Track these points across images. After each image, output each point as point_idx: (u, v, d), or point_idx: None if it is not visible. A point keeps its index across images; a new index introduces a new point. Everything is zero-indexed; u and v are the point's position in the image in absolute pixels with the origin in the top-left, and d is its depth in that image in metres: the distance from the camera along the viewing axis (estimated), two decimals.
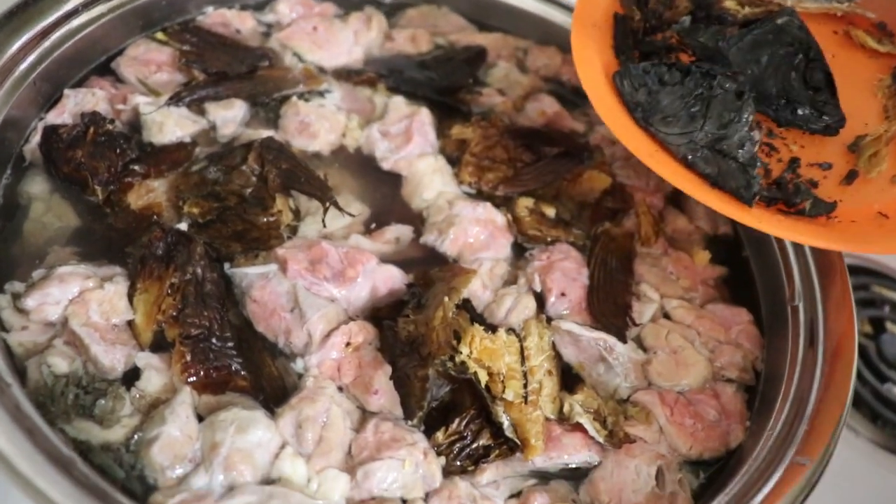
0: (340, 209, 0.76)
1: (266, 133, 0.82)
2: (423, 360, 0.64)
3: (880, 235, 0.67)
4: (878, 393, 1.00)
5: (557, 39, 1.03)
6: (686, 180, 0.68)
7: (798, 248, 0.80)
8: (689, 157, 0.69)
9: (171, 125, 0.80)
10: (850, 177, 0.73)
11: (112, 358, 0.63)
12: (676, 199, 0.88)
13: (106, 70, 0.86)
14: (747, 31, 0.76)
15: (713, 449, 0.68)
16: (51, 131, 0.76)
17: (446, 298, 0.68)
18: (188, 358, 0.63)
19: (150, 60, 0.87)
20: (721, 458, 0.69)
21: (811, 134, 0.76)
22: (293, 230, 0.76)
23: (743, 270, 0.85)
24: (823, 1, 0.83)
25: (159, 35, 0.90)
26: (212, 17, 0.94)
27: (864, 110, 0.78)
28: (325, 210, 0.76)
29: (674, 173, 0.69)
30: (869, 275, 1.13)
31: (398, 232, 0.79)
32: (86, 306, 0.65)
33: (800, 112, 0.76)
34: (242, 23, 0.95)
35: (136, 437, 0.60)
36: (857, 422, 0.97)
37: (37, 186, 0.75)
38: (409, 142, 0.85)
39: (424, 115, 0.88)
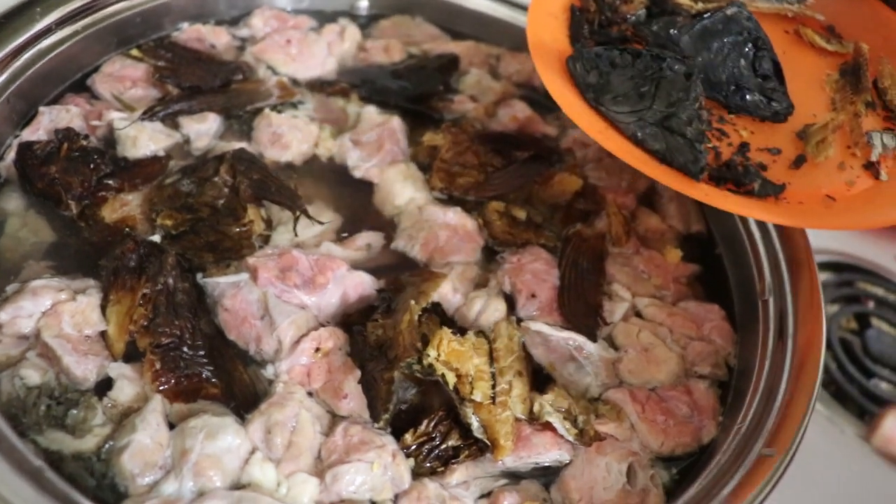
0: (311, 217, 0.77)
1: (239, 145, 0.83)
2: (390, 364, 0.65)
3: (828, 215, 0.70)
4: (865, 389, 1.00)
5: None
6: (635, 157, 0.70)
7: (768, 243, 0.81)
8: (639, 133, 0.70)
9: (144, 139, 0.81)
10: (798, 161, 0.74)
11: (84, 369, 0.64)
12: (649, 200, 0.89)
13: (81, 87, 0.87)
14: (698, 21, 0.78)
15: (685, 444, 0.68)
16: (25, 148, 0.77)
17: (413, 302, 0.69)
18: (158, 366, 0.64)
19: (125, 76, 0.88)
20: (693, 453, 0.69)
21: (761, 121, 0.77)
22: (265, 239, 0.77)
23: (716, 268, 0.85)
24: (775, 1, 0.85)
25: (134, 52, 0.91)
26: (187, 33, 0.95)
27: (812, 103, 0.79)
28: (296, 219, 0.76)
29: (623, 150, 0.70)
30: (854, 271, 1.13)
31: (369, 238, 0.79)
32: (58, 318, 0.65)
33: (749, 98, 0.77)
34: (217, 38, 0.96)
35: (107, 445, 0.60)
36: (843, 418, 0.98)
37: (12, 203, 0.76)
38: (381, 150, 0.86)
39: (396, 124, 0.89)
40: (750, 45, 0.78)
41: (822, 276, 0.95)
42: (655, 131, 0.70)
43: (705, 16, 0.78)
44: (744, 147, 0.74)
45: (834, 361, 1.03)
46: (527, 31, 0.78)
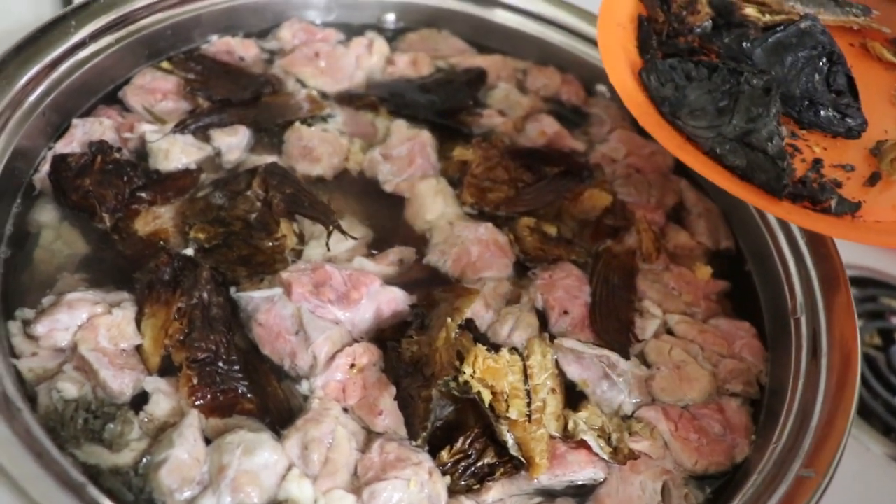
0: (343, 232, 0.78)
1: (270, 158, 0.84)
2: (427, 381, 0.65)
3: None
4: (890, 405, 1.00)
5: (556, 60, 1.06)
6: (715, 172, 0.70)
7: (800, 260, 0.81)
8: (718, 149, 0.70)
9: (176, 152, 0.82)
10: (873, 179, 0.73)
11: (121, 382, 0.64)
12: (678, 216, 0.89)
13: (113, 99, 0.88)
14: (771, 34, 0.78)
15: (718, 463, 0.69)
16: (59, 160, 0.77)
17: (449, 319, 0.69)
18: (195, 381, 0.64)
19: (156, 89, 0.89)
20: (727, 472, 0.69)
21: (833, 137, 0.76)
22: (297, 254, 0.77)
23: (746, 285, 0.85)
24: (840, 14, 0.85)
25: (165, 64, 0.92)
26: (216, 46, 0.96)
27: (883, 118, 0.79)
28: (329, 233, 0.77)
29: (703, 165, 0.70)
30: (877, 286, 1.13)
31: (401, 254, 0.80)
32: (95, 332, 0.66)
33: (823, 114, 0.76)
34: (246, 50, 0.97)
35: (144, 460, 0.61)
36: (868, 435, 0.98)
37: (46, 215, 0.77)
38: (412, 164, 0.87)
39: (426, 138, 0.89)
40: (824, 59, 0.78)
41: None
42: (735, 147, 0.70)
43: (778, 29, 0.78)
44: (817, 163, 0.73)
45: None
46: (598, 42, 0.78)
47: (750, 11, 0.82)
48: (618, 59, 0.77)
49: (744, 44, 0.78)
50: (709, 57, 0.80)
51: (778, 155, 0.68)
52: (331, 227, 0.77)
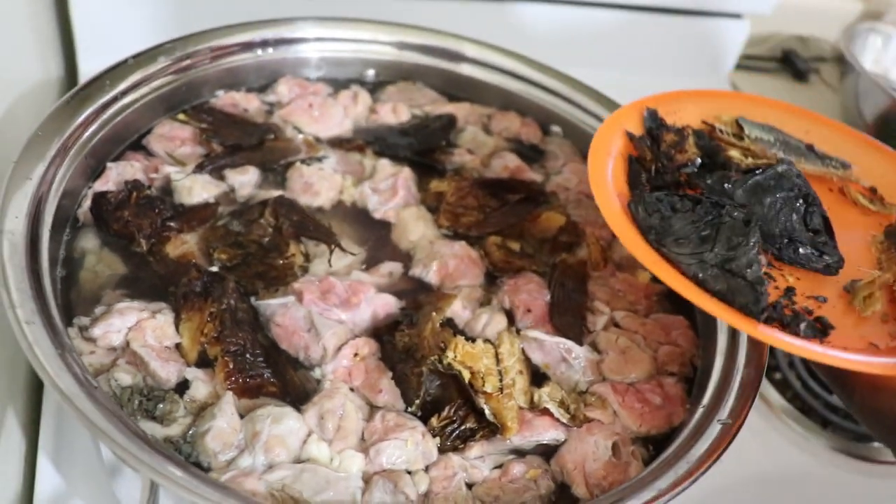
0: (343, 250, 0.92)
1: (277, 193, 0.98)
2: (418, 362, 0.79)
3: (872, 360, 0.74)
4: (827, 402, 1.15)
5: (516, 105, 1.21)
6: (696, 294, 0.74)
7: None
8: (700, 274, 0.74)
9: (198, 189, 0.96)
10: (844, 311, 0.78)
11: (167, 372, 0.77)
12: None
13: (138, 146, 1.02)
14: (751, 176, 0.84)
15: (659, 426, 0.82)
16: (100, 196, 0.91)
17: (434, 314, 0.84)
18: (231, 366, 0.78)
19: (175, 137, 1.03)
20: (666, 434, 0.83)
21: (807, 271, 0.81)
22: (304, 270, 0.91)
23: None
24: (820, 165, 0.91)
25: (181, 116, 1.06)
26: (223, 100, 1.11)
27: (858, 259, 0.84)
28: (331, 251, 0.91)
29: (685, 288, 0.74)
30: None
31: (391, 268, 0.94)
32: (142, 332, 0.79)
33: (801, 251, 0.81)
34: (249, 103, 1.12)
35: (191, 431, 0.74)
36: (810, 430, 1.12)
37: (89, 242, 0.90)
38: (396, 195, 1.01)
39: (407, 174, 1.04)
40: (801, 200, 0.83)
41: None
42: (717, 273, 0.73)
43: (757, 172, 0.83)
44: (790, 291, 0.77)
45: (798, 380, 1.19)
46: (588, 175, 0.81)
47: (734, 154, 0.88)
48: (607, 190, 0.81)
49: (725, 184, 0.83)
50: (693, 192, 0.84)
51: (756, 281, 0.72)
52: (333, 246, 0.92)
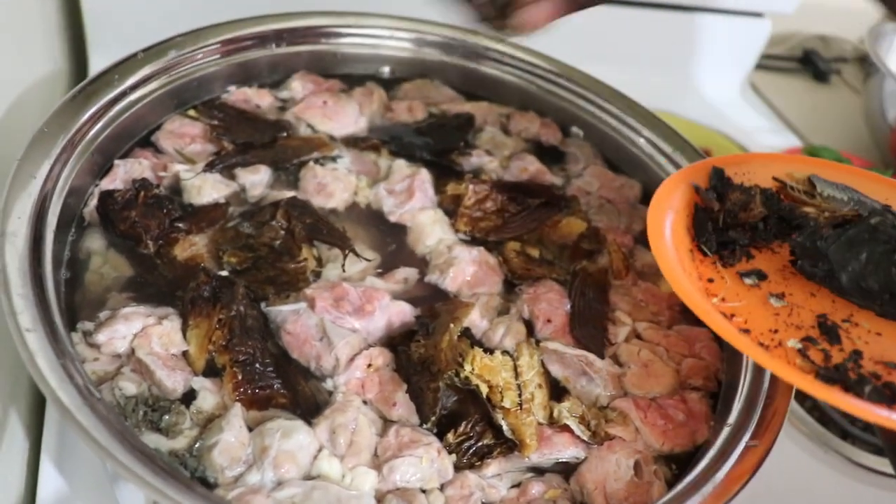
0: (358, 255, 0.89)
1: (289, 194, 0.95)
2: (434, 376, 0.76)
3: None
4: (846, 413, 1.10)
5: (535, 105, 1.18)
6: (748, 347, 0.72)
7: None
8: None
9: (207, 188, 0.93)
10: None
11: (173, 381, 0.75)
12: (644, 239, 1.00)
13: (147, 143, 0.99)
14: (843, 231, 0.80)
15: (682, 444, 0.80)
16: (107, 195, 0.88)
17: (452, 325, 0.81)
18: (240, 377, 0.75)
19: (185, 133, 1.00)
20: (689, 452, 0.80)
21: (877, 334, 0.76)
22: (317, 275, 0.88)
23: None
24: None
25: (191, 112, 1.03)
26: (235, 95, 1.08)
27: None
28: (345, 256, 0.88)
29: (737, 341, 0.73)
30: None
31: (406, 273, 0.91)
32: (148, 339, 0.77)
33: None
34: (261, 99, 1.09)
35: (197, 444, 0.71)
36: (829, 441, 1.10)
37: (95, 243, 0.87)
38: (412, 198, 0.98)
39: (423, 175, 1.01)
40: None
41: None
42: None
43: (849, 227, 0.80)
44: (856, 354, 0.73)
45: None
46: (648, 227, 0.81)
47: (809, 210, 0.85)
48: (665, 243, 0.81)
49: (818, 242, 0.81)
50: (759, 250, 0.85)
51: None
52: (346, 251, 0.89)
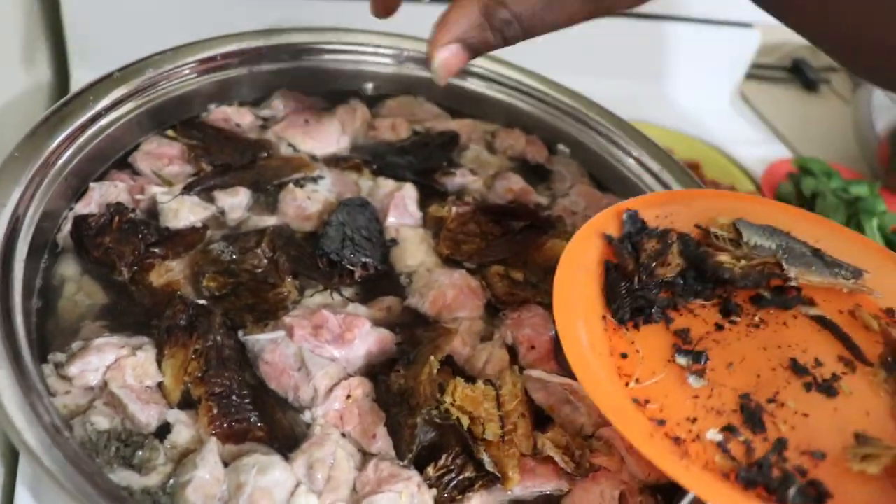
0: (342, 295, 0.88)
1: (268, 217, 0.94)
2: (412, 410, 0.75)
3: None
4: None
5: (521, 122, 1.16)
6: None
7: None
8: None
9: (185, 212, 0.91)
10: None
11: (147, 415, 0.73)
12: None
13: (124, 164, 0.97)
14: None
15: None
16: (81, 220, 0.86)
17: (432, 357, 0.79)
18: (215, 411, 0.73)
19: (163, 154, 0.99)
20: (675, 483, 0.78)
21: (804, 416, 0.69)
22: (297, 304, 0.86)
23: None
24: (828, 275, 0.80)
25: (170, 132, 1.02)
26: (214, 114, 1.06)
27: (865, 399, 0.72)
28: (331, 295, 0.87)
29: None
30: None
31: (390, 302, 0.89)
32: (122, 371, 0.75)
33: None
34: (242, 118, 1.07)
35: (171, 481, 0.69)
36: None
37: (69, 269, 0.85)
38: (396, 212, 0.97)
39: (408, 190, 1.00)
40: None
41: None
42: None
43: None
44: (781, 444, 0.66)
45: None
46: (554, 286, 0.74)
47: (723, 259, 0.80)
48: (570, 308, 0.75)
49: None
50: (680, 313, 0.78)
51: None
52: (331, 290, 0.87)
